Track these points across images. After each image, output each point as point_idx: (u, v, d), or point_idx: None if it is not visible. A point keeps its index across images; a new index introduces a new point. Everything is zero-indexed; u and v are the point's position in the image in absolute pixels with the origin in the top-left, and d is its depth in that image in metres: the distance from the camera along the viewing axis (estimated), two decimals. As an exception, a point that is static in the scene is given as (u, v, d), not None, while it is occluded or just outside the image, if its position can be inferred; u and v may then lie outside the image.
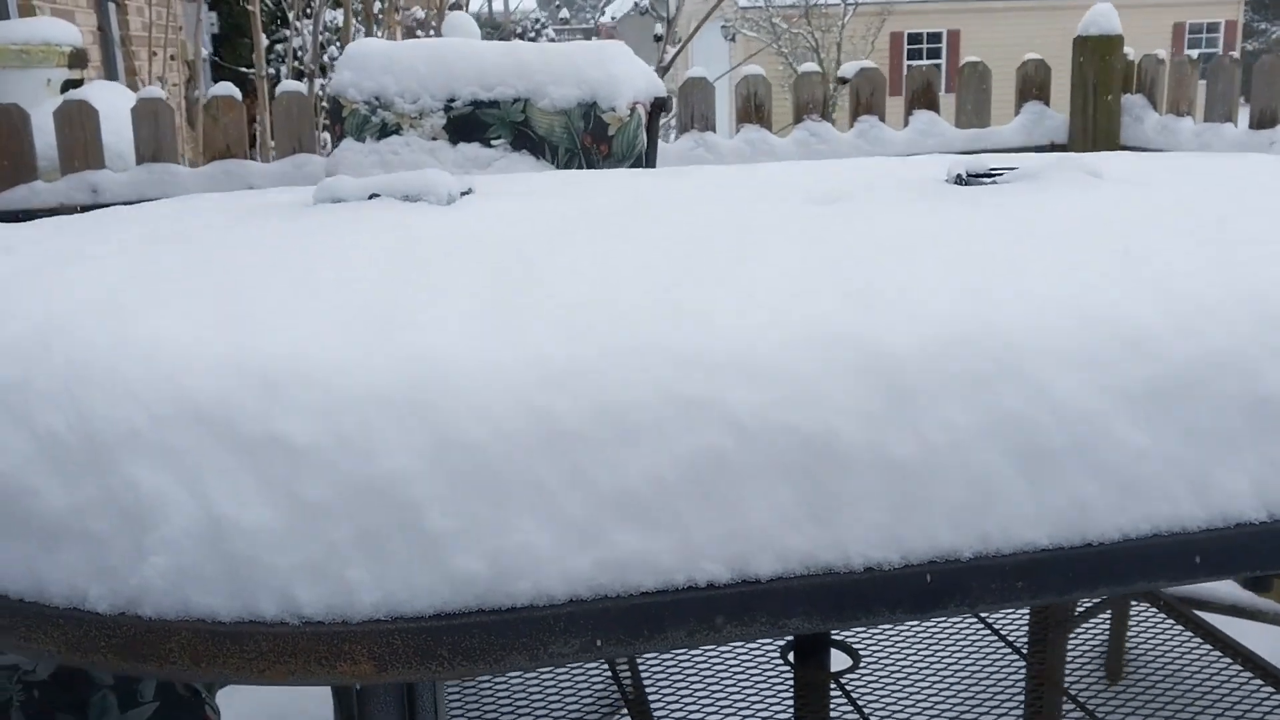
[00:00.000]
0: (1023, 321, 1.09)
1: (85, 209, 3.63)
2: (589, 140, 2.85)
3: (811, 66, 4.05)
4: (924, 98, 4.12)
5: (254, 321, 1.07)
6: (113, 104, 3.98)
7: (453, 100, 2.98)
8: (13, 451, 1.02)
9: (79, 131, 3.67)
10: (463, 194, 1.67)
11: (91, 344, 1.07)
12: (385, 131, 3.02)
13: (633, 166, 2.83)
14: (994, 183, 1.66)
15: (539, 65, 2.89)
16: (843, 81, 4.10)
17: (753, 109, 4.00)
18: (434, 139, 2.99)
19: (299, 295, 1.12)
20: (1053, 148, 4.16)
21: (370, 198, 1.62)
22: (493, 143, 2.95)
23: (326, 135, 4.67)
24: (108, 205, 3.63)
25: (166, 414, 1.00)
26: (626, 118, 2.81)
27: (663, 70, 5.45)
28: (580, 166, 2.86)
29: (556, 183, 1.84)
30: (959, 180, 1.72)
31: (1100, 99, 4.02)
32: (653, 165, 2.97)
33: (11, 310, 1.15)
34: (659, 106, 2.93)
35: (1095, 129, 4.05)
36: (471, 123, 2.97)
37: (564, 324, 1.07)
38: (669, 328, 1.07)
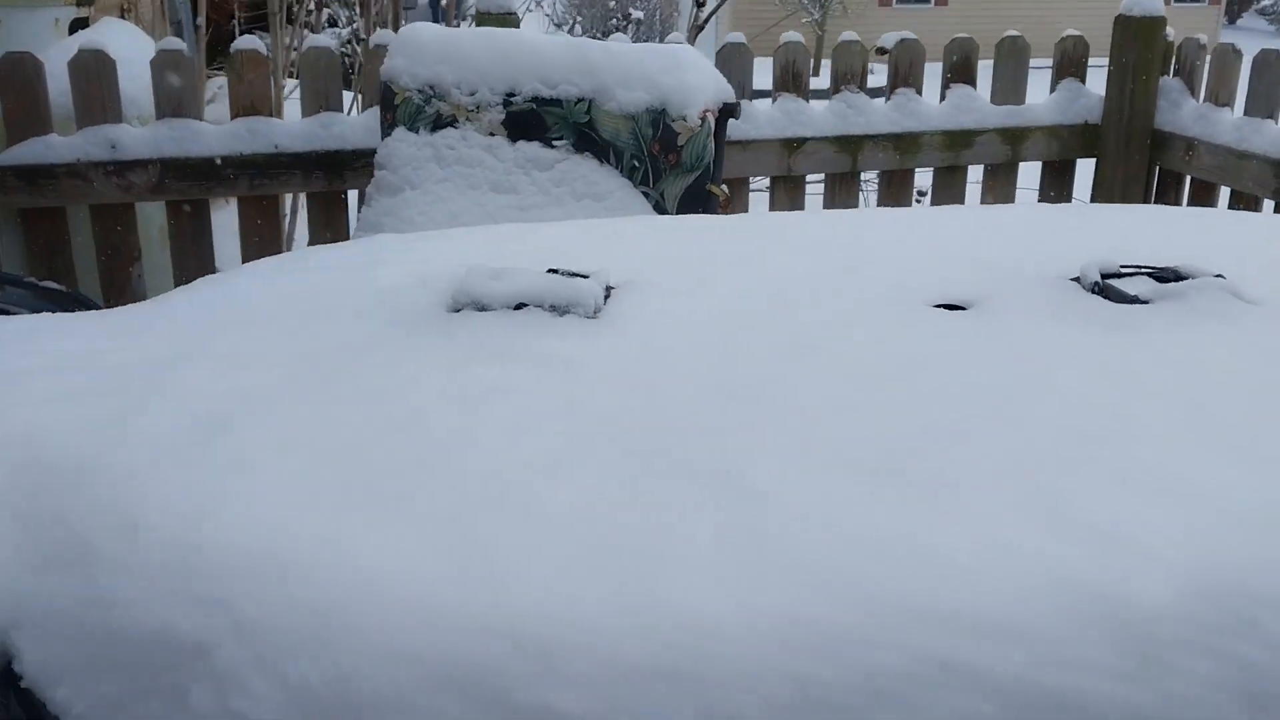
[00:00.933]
0: (1260, 578, 1.11)
1: (102, 165, 3.50)
2: (657, 148, 2.78)
3: (851, 35, 3.96)
4: (962, 71, 4.05)
5: (502, 569, 1.05)
6: (127, 48, 3.80)
7: (512, 95, 2.88)
8: (265, 700, 1.01)
9: (96, 85, 3.50)
10: (606, 293, 1.64)
11: (329, 584, 1.04)
12: (440, 123, 2.93)
13: (699, 177, 2.78)
14: (1138, 301, 1.65)
15: (606, 65, 2.80)
16: (881, 52, 4.02)
17: (790, 78, 3.91)
18: (491, 134, 2.90)
19: (530, 523, 1.10)
20: (1086, 127, 4.13)
21: (516, 308, 1.58)
22: (554, 143, 2.87)
23: (347, 94, 4.51)
24: (126, 162, 3.51)
25: (434, 678, 0.99)
26: (697, 127, 2.74)
27: (697, 29, 5.30)
28: (646, 174, 2.80)
29: (683, 269, 1.80)
30: (1095, 289, 1.71)
31: (1138, 81, 3.99)
32: (719, 173, 2.91)
33: (215, 515, 1.12)
34: (728, 112, 2.86)
35: (1131, 111, 4.03)
36: (532, 120, 2.88)
37: (803, 569, 1.06)
38: (912, 579, 1.07)
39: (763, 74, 4.04)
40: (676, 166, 2.76)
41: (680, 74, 2.73)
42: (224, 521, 1.11)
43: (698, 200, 2.74)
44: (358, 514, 1.11)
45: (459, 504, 1.13)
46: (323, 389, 1.34)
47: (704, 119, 2.74)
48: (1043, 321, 1.57)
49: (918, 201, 4.19)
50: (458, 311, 1.56)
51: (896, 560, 1.09)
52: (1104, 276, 1.75)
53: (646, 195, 2.79)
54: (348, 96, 4.71)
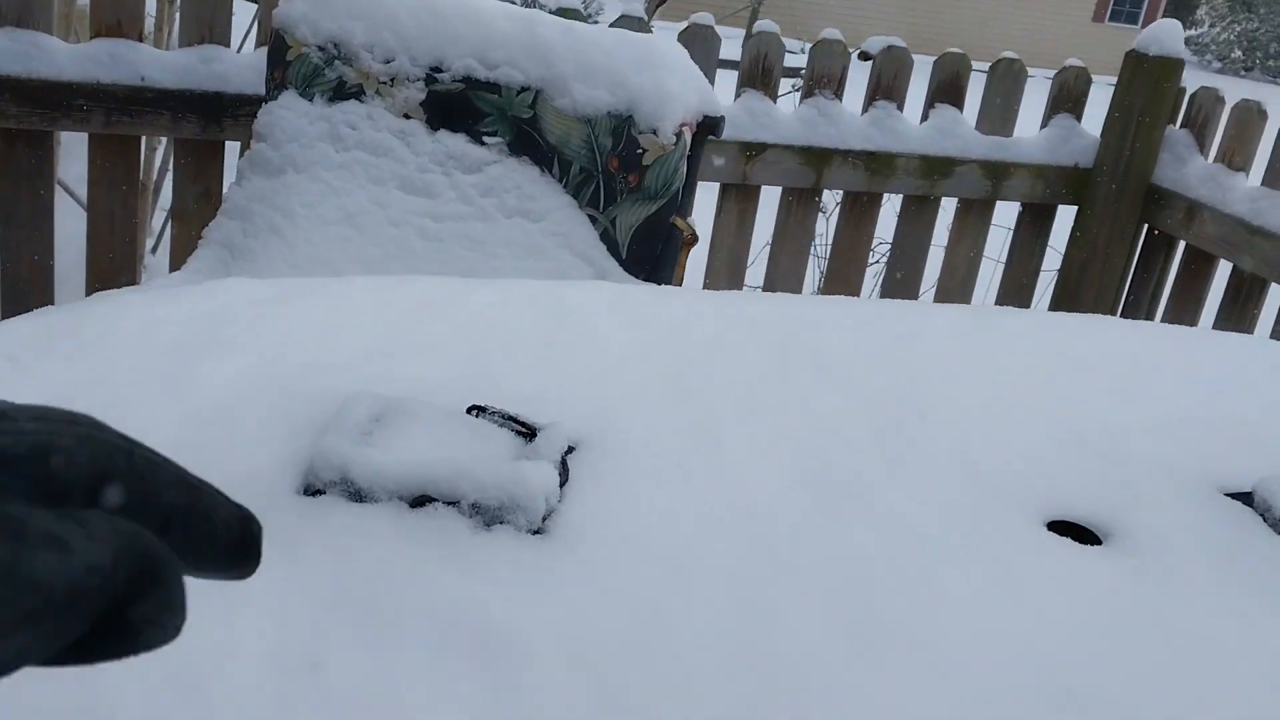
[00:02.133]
0: None
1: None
2: (615, 165, 2.19)
3: (834, 34, 3.42)
4: (950, 90, 3.55)
5: None
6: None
7: (439, 70, 2.26)
8: None
9: (-94, -25, 2.76)
10: (561, 466, 1.08)
11: None
12: (342, 93, 2.29)
13: (663, 207, 2.21)
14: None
15: (563, 49, 2.20)
16: (865, 57, 3.48)
17: (760, 72, 3.36)
18: (407, 116, 2.28)
19: None
20: (1075, 171, 3.67)
21: (414, 503, 1.00)
22: (486, 139, 2.26)
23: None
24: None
25: None
26: (670, 145, 2.17)
27: (658, 3, 4.64)
28: (598, 194, 2.22)
29: (679, 400, 1.24)
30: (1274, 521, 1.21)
31: (1141, 128, 3.54)
32: (689, 203, 2.35)
33: None
34: (708, 129, 2.29)
35: (1130, 160, 3.58)
36: (460, 105, 2.26)
37: None
38: None
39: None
40: (637, 191, 2.18)
41: (656, 73, 2.14)
42: None
43: (656, 235, 2.17)
44: None
45: None
46: None
47: (679, 135, 2.17)
48: (1219, 580, 1.06)
49: (871, 253, 3.69)
50: (313, 495, 0.98)
51: None
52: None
53: (594, 220, 2.21)
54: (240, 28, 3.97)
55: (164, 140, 4.19)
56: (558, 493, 1.02)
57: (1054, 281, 3.92)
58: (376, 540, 0.94)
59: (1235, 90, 3.53)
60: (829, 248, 3.72)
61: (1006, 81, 3.57)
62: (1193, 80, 3.48)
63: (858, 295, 3.71)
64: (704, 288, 3.44)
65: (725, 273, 3.50)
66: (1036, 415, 1.32)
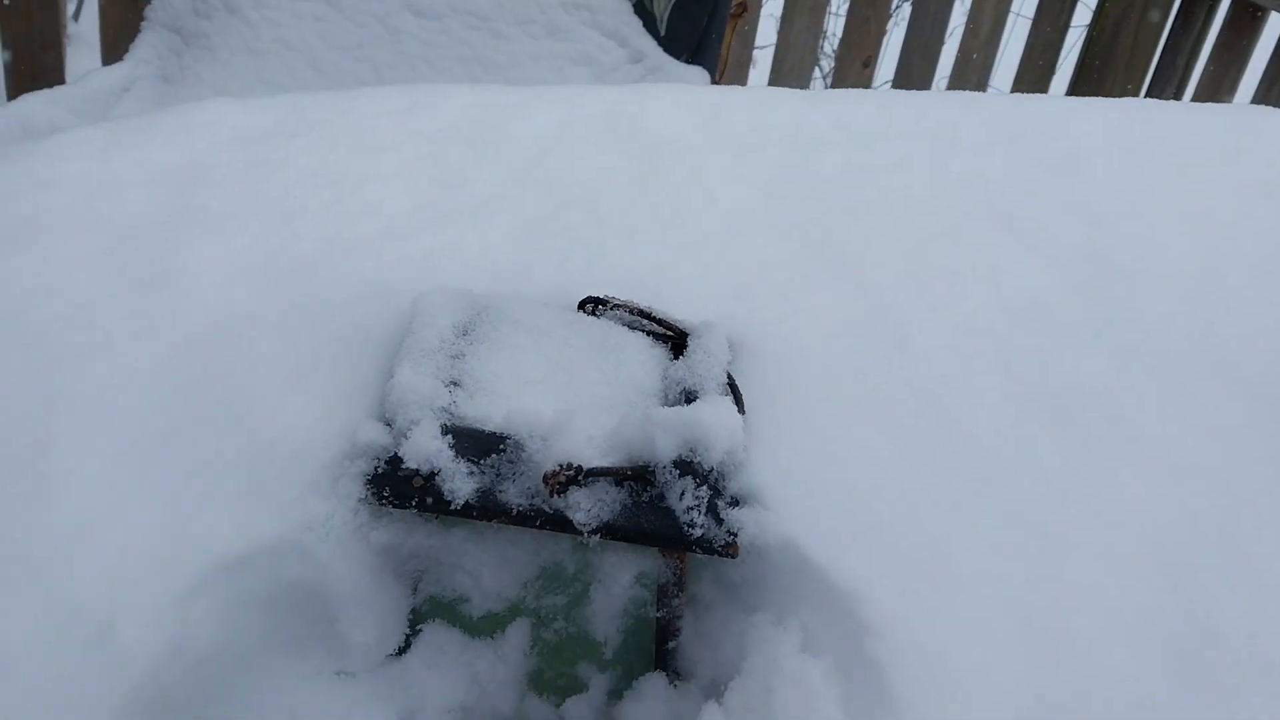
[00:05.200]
0: None
1: None
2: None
3: None
4: None
5: None
6: None
7: None
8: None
9: None
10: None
11: None
12: None
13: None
14: None
15: None
16: None
17: None
18: None
19: None
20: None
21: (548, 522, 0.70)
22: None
23: None
24: None
25: None
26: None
27: None
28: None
29: (845, 276, 0.93)
30: None
31: None
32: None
33: None
34: None
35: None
36: None
37: None
38: None
39: None
40: None
41: None
42: None
43: (701, 6, 1.79)
44: None
45: None
46: None
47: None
48: None
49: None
50: (382, 500, 0.69)
51: None
52: None
53: (625, -10, 1.81)
54: None
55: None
56: (742, 443, 0.72)
57: (1083, 38, 3.53)
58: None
59: None
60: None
61: None
62: None
63: (877, 46, 3.31)
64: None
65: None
66: (1262, 265, 1.02)
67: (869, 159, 1.11)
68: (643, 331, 0.81)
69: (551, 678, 0.76)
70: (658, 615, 0.75)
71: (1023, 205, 1.08)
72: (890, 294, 0.92)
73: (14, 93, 1.97)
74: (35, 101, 1.52)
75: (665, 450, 0.70)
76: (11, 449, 0.69)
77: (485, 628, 0.75)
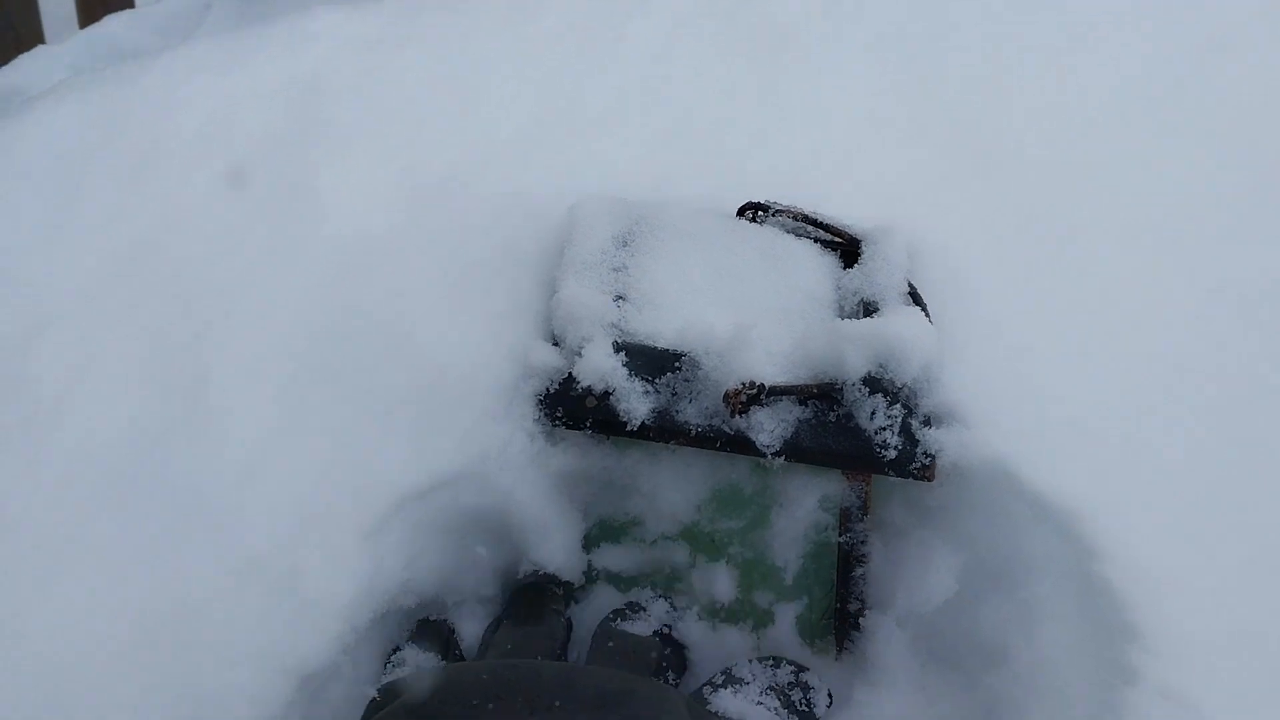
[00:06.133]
0: None
1: None
2: None
3: None
4: None
5: None
6: None
7: None
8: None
9: None
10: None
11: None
12: None
13: None
14: None
15: None
16: None
17: None
18: None
19: None
20: None
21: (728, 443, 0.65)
22: None
23: None
24: None
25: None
26: None
27: None
28: None
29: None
30: None
31: None
32: None
33: None
34: None
35: None
36: None
37: None
38: None
39: None
40: None
41: None
42: None
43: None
44: None
45: None
46: None
47: None
48: None
49: None
50: (556, 422, 0.66)
51: None
52: None
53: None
54: None
55: None
56: (938, 357, 0.67)
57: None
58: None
59: None
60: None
61: None
62: None
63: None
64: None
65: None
66: None
67: (1013, 47, 1.04)
68: (809, 239, 0.76)
69: (729, 605, 0.72)
70: (840, 541, 0.71)
71: (1178, 88, 1.00)
72: (1050, 191, 0.86)
73: (85, 19, 1.92)
74: (117, 24, 1.47)
75: (854, 366, 0.65)
76: (165, 390, 0.65)
77: (659, 553, 0.72)
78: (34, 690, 0.54)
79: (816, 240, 0.76)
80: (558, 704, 0.50)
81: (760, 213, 0.77)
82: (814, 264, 0.74)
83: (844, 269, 0.75)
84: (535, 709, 0.49)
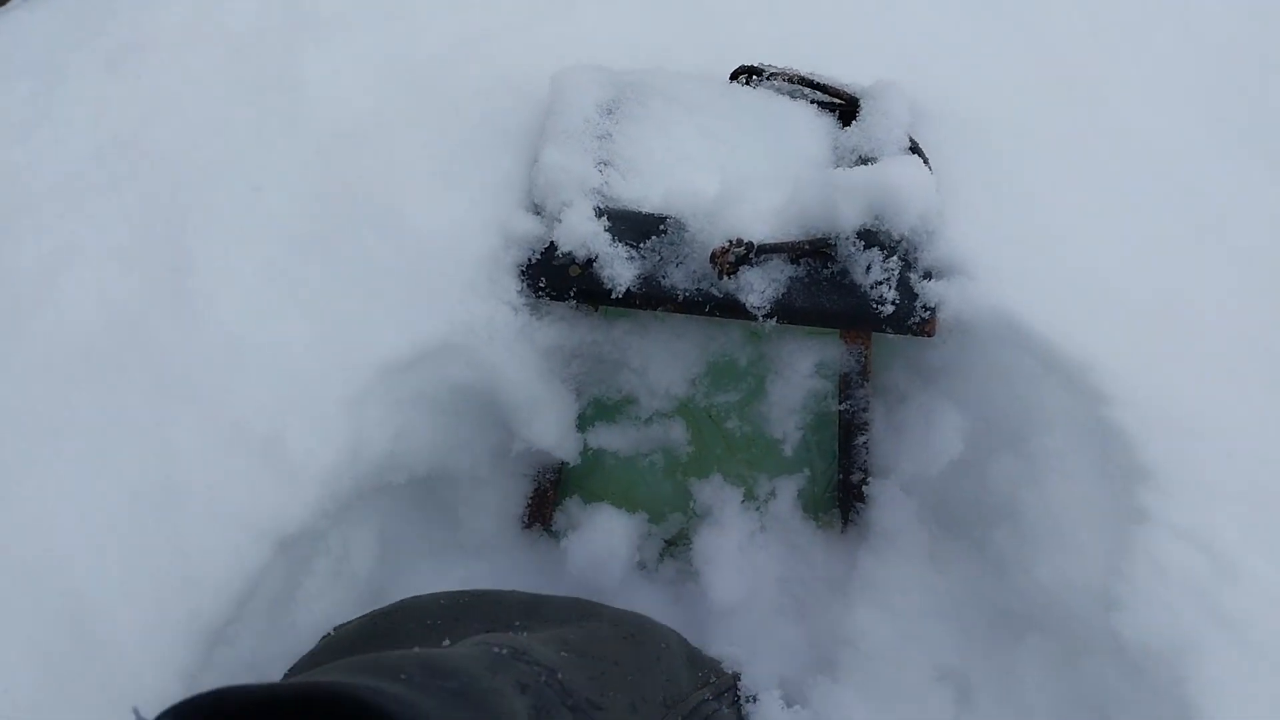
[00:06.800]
0: None
1: None
2: None
3: None
4: None
5: None
6: None
7: None
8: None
9: None
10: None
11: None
12: None
13: None
14: None
15: None
16: None
17: None
18: None
19: None
20: None
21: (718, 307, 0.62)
22: None
23: None
24: None
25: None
26: None
27: None
28: None
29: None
30: None
31: None
32: None
33: None
34: None
35: None
36: None
37: None
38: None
39: None
40: None
41: None
42: None
43: None
44: None
45: None
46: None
47: None
48: None
49: None
50: (539, 292, 0.63)
51: None
52: None
53: None
54: None
55: None
56: (937, 205, 0.64)
57: None
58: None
59: None
60: None
61: None
62: None
63: None
64: None
65: None
66: None
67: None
68: (806, 100, 0.72)
69: (728, 479, 0.70)
70: (840, 409, 0.68)
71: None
72: (1075, 53, 0.82)
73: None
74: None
75: (848, 218, 0.62)
76: (150, 270, 0.64)
77: (654, 431, 0.69)
78: (29, 552, 0.53)
79: (814, 102, 0.73)
80: (518, 623, 0.49)
81: (754, 76, 0.73)
82: (811, 125, 0.71)
83: (842, 128, 0.71)
84: (494, 628, 0.48)
